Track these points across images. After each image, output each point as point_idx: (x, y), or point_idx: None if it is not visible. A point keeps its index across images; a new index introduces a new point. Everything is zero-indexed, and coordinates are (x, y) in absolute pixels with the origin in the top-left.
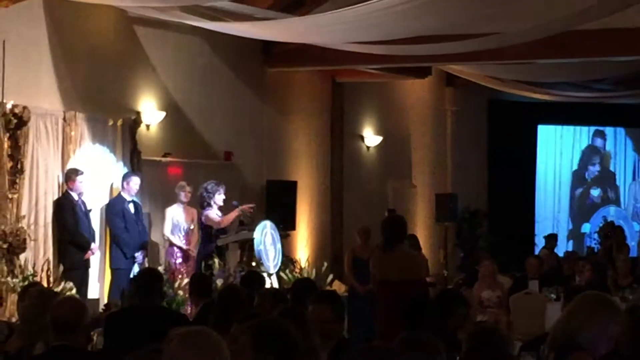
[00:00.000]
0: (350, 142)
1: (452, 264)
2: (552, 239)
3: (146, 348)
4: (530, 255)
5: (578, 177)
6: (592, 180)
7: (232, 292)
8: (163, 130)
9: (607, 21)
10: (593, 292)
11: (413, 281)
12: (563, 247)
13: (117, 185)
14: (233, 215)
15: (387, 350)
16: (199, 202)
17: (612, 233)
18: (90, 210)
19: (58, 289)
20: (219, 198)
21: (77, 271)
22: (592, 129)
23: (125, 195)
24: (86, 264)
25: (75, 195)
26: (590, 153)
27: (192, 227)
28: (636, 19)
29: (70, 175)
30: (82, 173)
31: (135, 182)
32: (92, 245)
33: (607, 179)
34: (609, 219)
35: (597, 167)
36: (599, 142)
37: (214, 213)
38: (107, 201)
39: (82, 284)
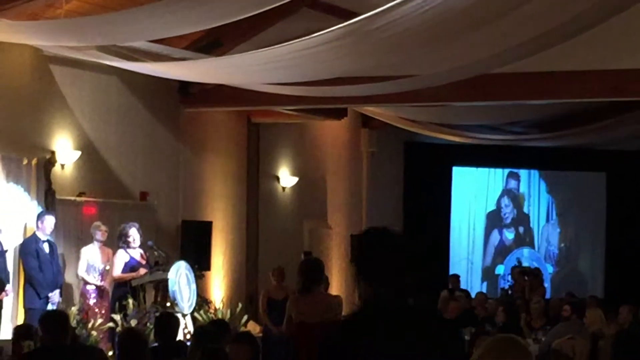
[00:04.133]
0: (265, 182)
1: None
2: (455, 279)
3: None
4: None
5: (492, 219)
6: (507, 222)
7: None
8: (78, 170)
9: (521, 65)
10: (503, 335)
11: (330, 322)
12: (477, 288)
13: (31, 224)
14: (125, 276)
15: None
16: (117, 244)
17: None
18: (6, 251)
19: None
20: (134, 236)
21: None
22: (507, 171)
23: (39, 234)
24: None
25: None
26: (504, 195)
27: (107, 267)
28: (548, 63)
29: None
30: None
31: (49, 221)
32: (6, 287)
33: (521, 221)
34: (523, 261)
35: (511, 209)
36: (513, 184)
37: (121, 260)
38: (20, 240)
39: None
